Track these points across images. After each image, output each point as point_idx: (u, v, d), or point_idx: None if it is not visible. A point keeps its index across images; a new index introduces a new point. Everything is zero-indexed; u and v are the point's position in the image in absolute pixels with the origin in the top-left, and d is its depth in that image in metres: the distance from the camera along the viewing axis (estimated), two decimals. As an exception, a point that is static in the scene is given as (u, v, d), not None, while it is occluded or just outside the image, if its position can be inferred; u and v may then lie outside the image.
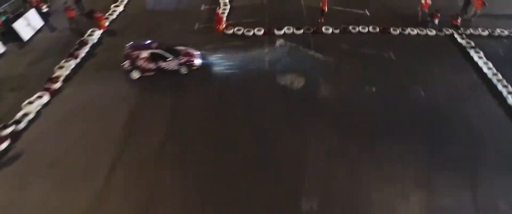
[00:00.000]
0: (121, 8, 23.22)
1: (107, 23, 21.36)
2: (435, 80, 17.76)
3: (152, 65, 16.97)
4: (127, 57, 16.82)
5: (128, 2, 24.31)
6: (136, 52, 16.74)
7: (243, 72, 17.96)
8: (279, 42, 20.46)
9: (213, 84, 17.28)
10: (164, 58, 16.99)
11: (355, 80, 17.64)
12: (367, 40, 20.88)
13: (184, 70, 17.46)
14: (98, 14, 20.46)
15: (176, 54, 17.29)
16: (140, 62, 16.80)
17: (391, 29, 21.65)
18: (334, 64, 18.70)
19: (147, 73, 17.23)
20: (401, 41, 20.92)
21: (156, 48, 16.96)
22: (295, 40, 20.64)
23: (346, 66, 18.63)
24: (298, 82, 17.22)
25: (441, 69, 18.56)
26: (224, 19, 22.00)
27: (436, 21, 22.26)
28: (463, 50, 20.22)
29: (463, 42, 20.75)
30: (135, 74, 17.16)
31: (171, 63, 17.11)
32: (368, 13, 23.76)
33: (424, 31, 21.66)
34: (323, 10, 22.10)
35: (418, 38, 21.27)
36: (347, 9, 24.10)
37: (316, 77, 17.63)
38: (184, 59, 17.32)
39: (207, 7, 24.06)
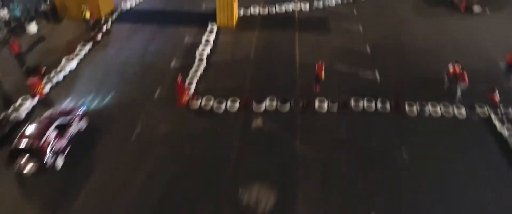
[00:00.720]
0: (73, 65, 19.15)
1: (48, 88, 17.34)
2: (462, 206, 12.57)
3: (64, 140, 14.01)
4: (40, 151, 12.88)
5: (86, 54, 20.31)
6: (45, 140, 13.19)
7: (192, 178, 13.36)
8: (257, 123, 15.81)
9: (144, 194, 12.76)
10: (67, 125, 14.32)
11: (347, 196, 12.67)
12: (372, 123, 15.88)
13: (84, 124, 15.32)
14: (33, 80, 16.42)
15: (68, 116, 14.81)
16: (56, 145, 13.52)
17: (406, 106, 16.58)
18: (323, 166, 13.79)
19: (66, 150, 14.03)
20: (419, 127, 15.76)
21: (52, 121, 14.04)
22: (277, 120, 15.92)
23: (338, 170, 13.67)
24: (267, 200, 12.45)
25: (472, 183, 13.22)
26: (191, 88, 17.46)
27: (460, 88, 17.02)
28: (504, 146, 14.88)
29: (504, 131, 15.37)
30: (61, 161, 13.70)
31: (75, 126, 14.71)
32: (378, 78, 18.72)
33: (451, 111, 16.43)
34: (319, 77, 17.28)
35: (442, 123, 16.03)
36: (353, 70, 19.15)
37: (294, 191, 12.79)
38: (77, 115, 15.06)
39: (178, 63, 19.70)
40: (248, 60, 20.08)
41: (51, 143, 13.30)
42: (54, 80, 17.83)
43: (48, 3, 23.65)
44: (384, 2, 27.94)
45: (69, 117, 14.61)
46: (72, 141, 14.32)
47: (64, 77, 18.35)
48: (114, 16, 24.38)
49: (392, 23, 24.66)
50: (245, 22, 24.39)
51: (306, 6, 26.50)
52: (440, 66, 19.07)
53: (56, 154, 13.47)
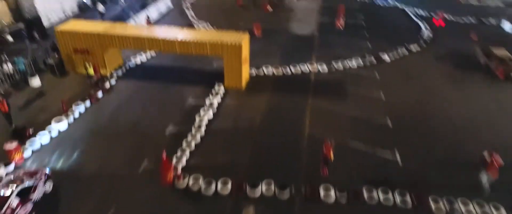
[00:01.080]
0: (64, 126, 17.89)
1: (29, 153, 15.97)
2: None
3: (29, 206, 12.98)
4: None
5: (81, 114, 19.12)
6: (6, 209, 12.33)
7: None
8: None
9: None
10: (29, 191, 13.20)
11: None
12: (389, 222, 13.13)
13: (49, 187, 14.07)
14: (11, 146, 15.11)
15: (32, 178, 13.67)
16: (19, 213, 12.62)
17: (431, 203, 13.72)
18: None
19: None
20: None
21: (12, 187, 12.93)
22: (273, 211, 13.49)
23: None
24: None
25: None
26: (183, 161, 15.56)
27: (487, 179, 14.10)
28: None
29: (558, 246, 12.20)
30: None
31: (40, 189, 13.60)
32: (399, 159, 16.08)
33: (488, 212, 13.39)
34: (327, 158, 14.91)
35: (477, 227, 13.06)
36: (369, 149, 16.65)
37: None
38: (42, 177, 13.92)
39: (175, 129, 18.00)
40: (251, 130, 18.06)
41: (13, 212, 12.36)
42: (38, 143, 16.50)
43: (56, 56, 23.20)
44: (410, 66, 25.73)
45: (32, 180, 13.49)
46: (37, 205, 13.19)
47: (51, 138, 17.04)
48: (121, 72, 23.50)
49: (418, 91, 22.21)
50: (256, 83, 22.75)
51: (324, 67, 24.72)
52: (473, 148, 16.35)
53: None
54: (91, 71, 21.48)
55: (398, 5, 41.06)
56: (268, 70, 24.26)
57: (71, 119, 18.41)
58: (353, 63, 25.46)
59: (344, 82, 23.01)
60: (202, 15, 35.34)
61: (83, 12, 35.49)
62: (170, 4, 38.80)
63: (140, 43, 21.71)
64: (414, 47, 28.54)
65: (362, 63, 25.58)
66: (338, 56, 26.21)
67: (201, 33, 22.98)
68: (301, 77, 23.86)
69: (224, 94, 21.31)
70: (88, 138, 17.29)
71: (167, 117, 18.84)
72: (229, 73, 21.76)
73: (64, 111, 18.73)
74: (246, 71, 22.43)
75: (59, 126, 17.64)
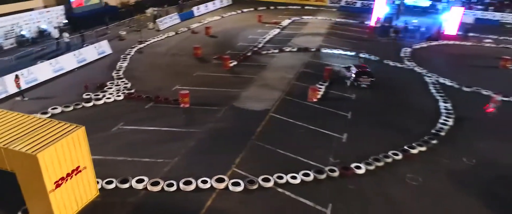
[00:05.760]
0: None
1: None
2: None
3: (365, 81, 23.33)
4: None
5: None
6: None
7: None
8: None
9: None
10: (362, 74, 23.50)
11: None
12: None
13: (348, 74, 24.20)
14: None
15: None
16: (355, 75, 23.28)
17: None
18: None
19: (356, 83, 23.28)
20: None
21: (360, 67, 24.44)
22: None
23: None
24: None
25: None
26: None
27: None
28: None
29: None
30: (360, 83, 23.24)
31: (360, 78, 23.31)
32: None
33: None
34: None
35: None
36: None
37: None
38: (356, 71, 23.84)
39: None
40: None
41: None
42: None
43: None
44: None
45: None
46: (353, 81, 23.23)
47: None
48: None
49: None
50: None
51: (241, 186, 13.95)
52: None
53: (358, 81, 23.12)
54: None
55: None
56: (134, 183, 13.81)
57: None
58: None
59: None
60: (138, 70, 26.30)
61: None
62: (107, 49, 29.69)
63: None
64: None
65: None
66: (276, 163, 15.52)
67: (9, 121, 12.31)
68: (188, 203, 13.24)
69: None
70: None
71: None
72: (32, 201, 11.62)
73: None
74: (75, 198, 12.01)
75: None
